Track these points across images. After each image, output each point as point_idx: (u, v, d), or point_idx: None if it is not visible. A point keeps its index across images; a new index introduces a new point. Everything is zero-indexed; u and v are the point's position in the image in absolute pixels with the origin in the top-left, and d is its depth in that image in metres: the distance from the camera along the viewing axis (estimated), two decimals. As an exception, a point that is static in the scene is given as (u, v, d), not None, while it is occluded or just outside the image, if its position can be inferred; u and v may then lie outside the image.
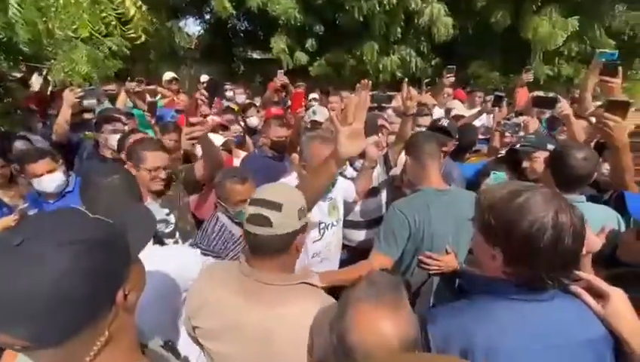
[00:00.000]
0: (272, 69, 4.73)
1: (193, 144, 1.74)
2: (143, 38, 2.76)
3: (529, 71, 3.33)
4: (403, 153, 2.30)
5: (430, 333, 0.80)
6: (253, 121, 3.65)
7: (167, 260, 1.25)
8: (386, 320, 0.70)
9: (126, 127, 2.54)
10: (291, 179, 1.84)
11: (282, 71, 3.87)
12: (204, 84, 1.84)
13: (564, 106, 2.28)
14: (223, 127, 2.47)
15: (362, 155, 2.07)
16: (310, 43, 7.33)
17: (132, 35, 2.72)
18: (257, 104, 4.19)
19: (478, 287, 0.87)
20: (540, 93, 2.66)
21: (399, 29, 6.57)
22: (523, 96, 3.52)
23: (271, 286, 0.99)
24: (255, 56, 9.72)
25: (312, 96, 4.21)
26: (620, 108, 1.51)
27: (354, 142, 1.12)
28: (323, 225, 1.82)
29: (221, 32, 8.79)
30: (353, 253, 2.15)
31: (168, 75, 4.61)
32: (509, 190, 0.80)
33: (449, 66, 3.00)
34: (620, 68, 2.09)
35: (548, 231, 0.73)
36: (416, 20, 6.37)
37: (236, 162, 2.50)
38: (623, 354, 0.78)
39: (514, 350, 0.76)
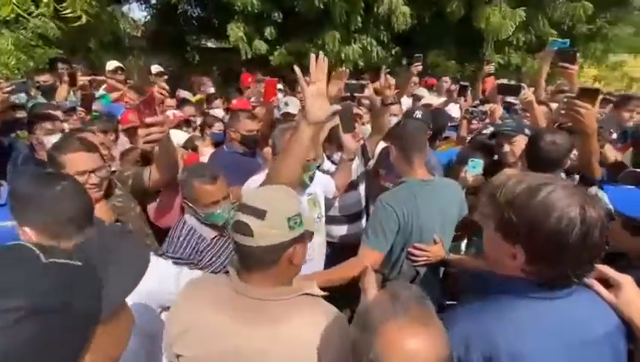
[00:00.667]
0: (231, 58, 4.45)
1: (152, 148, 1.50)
2: (83, 20, 2.36)
3: (490, 63, 3.45)
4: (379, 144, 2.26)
5: (450, 338, 0.74)
6: (218, 113, 3.40)
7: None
8: (421, 339, 0.63)
9: (65, 125, 2.21)
10: (261, 177, 1.71)
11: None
12: (167, 77, 1.65)
13: (527, 93, 2.37)
14: (187, 123, 2.24)
15: (340, 147, 2.00)
16: (269, 31, 7.06)
17: (69, 15, 2.31)
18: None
19: (494, 287, 0.83)
20: (504, 81, 2.75)
21: (359, 18, 6.54)
22: (489, 84, 3.65)
23: (267, 302, 0.88)
24: (210, 45, 9.18)
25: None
26: (589, 96, 1.57)
27: (320, 105, 1.08)
28: None
29: (170, 19, 8.16)
30: (335, 249, 2.08)
31: (112, 65, 4.12)
32: (528, 185, 0.74)
33: (416, 55, 3.00)
34: (577, 55, 2.22)
35: (577, 227, 0.69)
36: (375, 9, 6.37)
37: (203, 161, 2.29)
38: (635, 341, 0.78)
39: (537, 352, 0.73)
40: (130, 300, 1.05)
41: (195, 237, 1.50)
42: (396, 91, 3.78)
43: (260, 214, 0.84)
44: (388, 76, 1.98)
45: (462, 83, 3.12)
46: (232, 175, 1.96)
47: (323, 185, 1.93)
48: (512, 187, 0.76)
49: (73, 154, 1.37)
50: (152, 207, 1.70)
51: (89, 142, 1.48)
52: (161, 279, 1.14)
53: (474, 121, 2.75)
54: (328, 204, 2.13)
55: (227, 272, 0.98)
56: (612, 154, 2.28)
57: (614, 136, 2.69)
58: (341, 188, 2.00)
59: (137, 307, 1.08)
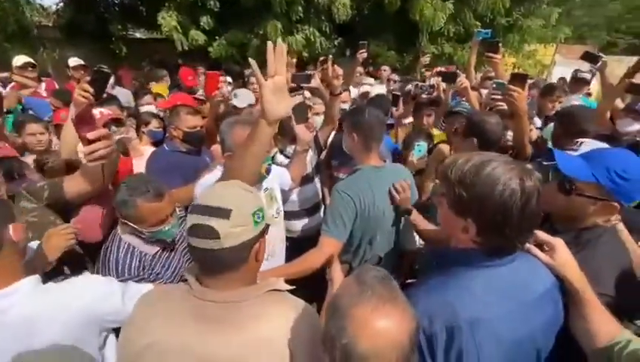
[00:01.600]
0: (164, 49, 4.08)
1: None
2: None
3: (426, 54, 3.63)
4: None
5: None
6: (150, 110, 3.11)
7: (69, 300, 0.97)
8: (392, 319, 0.65)
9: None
10: (215, 175, 1.59)
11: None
12: (91, 78, 1.42)
13: (462, 80, 2.53)
14: (117, 122, 1.99)
15: (293, 140, 1.95)
16: (206, 20, 6.65)
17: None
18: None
19: (450, 260, 0.88)
20: (442, 69, 2.92)
21: (300, 8, 6.45)
22: None
23: (234, 305, 0.82)
24: (139, 35, 8.37)
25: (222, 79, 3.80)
26: (520, 80, 1.72)
27: (280, 100, 1.00)
28: None
29: (88, 6, 7.27)
30: (295, 244, 2.04)
31: (20, 60, 3.55)
32: (474, 162, 0.80)
33: (361, 42, 3.03)
34: (500, 45, 2.42)
35: (518, 197, 0.76)
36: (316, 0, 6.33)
37: (138, 163, 2.06)
38: (569, 295, 0.88)
39: (492, 315, 0.78)
40: (59, 327, 0.92)
41: (136, 255, 1.35)
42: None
43: (225, 214, 0.79)
44: (335, 66, 1.96)
45: (394, 93, 3.20)
46: (174, 176, 1.81)
47: (279, 177, 1.87)
48: (461, 166, 0.81)
49: None
50: (74, 222, 1.49)
51: None
52: (95, 298, 1.02)
53: (424, 95, 2.88)
54: (284, 198, 2.08)
55: (184, 280, 0.90)
56: (534, 133, 2.56)
57: (538, 122, 3.01)
58: (296, 179, 1.96)
59: (70, 332, 0.94)
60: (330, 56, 1.96)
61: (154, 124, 2.62)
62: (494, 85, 2.04)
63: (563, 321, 0.89)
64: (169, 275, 1.45)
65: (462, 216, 0.82)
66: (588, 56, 2.72)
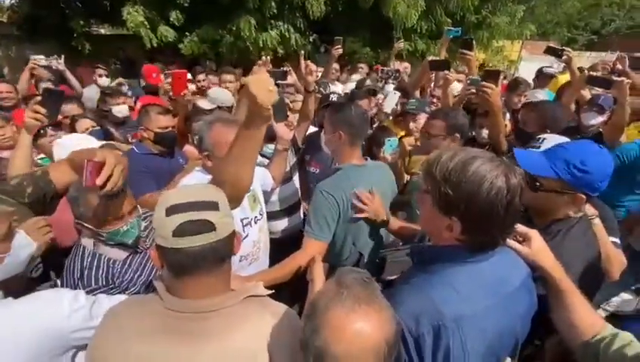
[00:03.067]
0: (132, 46, 3.88)
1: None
2: None
3: (400, 39, 3.66)
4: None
5: (400, 316, 0.77)
6: (122, 110, 2.94)
7: (24, 321, 0.90)
8: (368, 321, 0.63)
9: None
10: (195, 177, 1.53)
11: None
12: (42, 98, 1.31)
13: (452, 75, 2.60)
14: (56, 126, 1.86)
15: (271, 140, 1.91)
16: (175, 16, 6.41)
17: None
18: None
19: (432, 258, 0.88)
20: (436, 58, 2.94)
21: (274, 4, 6.35)
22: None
23: (210, 314, 0.78)
24: (104, 31, 7.95)
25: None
26: (493, 77, 1.76)
27: (265, 90, 0.95)
28: (247, 220, 1.60)
29: (46, 1, 6.82)
30: (277, 245, 2.01)
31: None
32: (459, 159, 0.79)
33: (336, 37, 3.01)
34: (474, 42, 2.48)
35: (503, 195, 0.75)
36: (289, -5, 6.26)
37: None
38: (546, 284, 0.91)
39: (476, 311, 0.79)
40: (12, 348, 0.85)
41: (102, 263, 1.25)
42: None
43: (213, 206, 0.79)
44: (308, 62, 1.93)
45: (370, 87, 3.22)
46: (147, 180, 1.73)
47: (260, 178, 1.82)
48: (446, 163, 0.80)
49: None
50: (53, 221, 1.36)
51: None
52: (58, 315, 0.94)
53: (390, 81, 2.93)
54: (265, 198, 2.04)
55: (153, 290, 0.85)
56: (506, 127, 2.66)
57: (507, 116, 3.12)
58: (278, 179, 1.92)
59: (28, 353, 0.88)
60: (302, 52, 1.93)
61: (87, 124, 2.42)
62: (469, 81, 2.10)
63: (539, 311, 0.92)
64: (144, 280, 1.37)
65: (447, 215, 0.80)
66: (551, 51, 2.84)
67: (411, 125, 2.36)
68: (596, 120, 2.54)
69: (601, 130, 2.47)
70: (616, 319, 0.95)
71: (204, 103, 2.64)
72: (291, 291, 1.52)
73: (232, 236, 0.83)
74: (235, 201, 1.08)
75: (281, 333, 0.81)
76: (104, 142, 1.89)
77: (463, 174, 0.76)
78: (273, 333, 0.80)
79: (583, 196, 1.05)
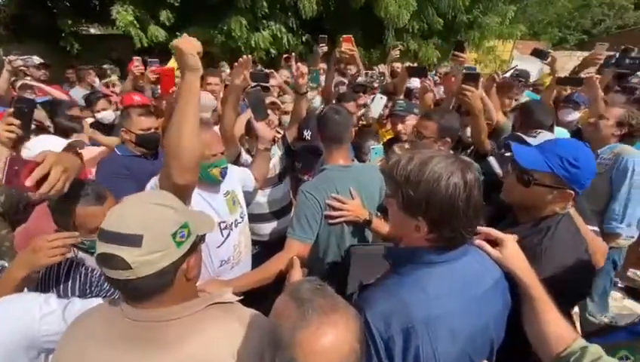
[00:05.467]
0: (122, 46, 3.80)
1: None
2: None
3: (396, 47, 3.66)
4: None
5: (370, 319, 0.77)
6: (107, 116, 2.87)
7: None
8: (337, 328, 0.63)
9: None
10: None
11: (138, 58, 2.92)
12: (15, 110, 1.27)
13: (427, 82, 2.62)
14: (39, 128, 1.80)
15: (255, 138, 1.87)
16: (166, 16, 6.35)
17: None
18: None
19: (404, 260, 0.88)
20: (412, 65, 2.97)
21: (265, 3, 6.31)
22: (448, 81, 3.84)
23: (165, 323, 0.76)
24: (94, 31, 7.84)
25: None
26: (472, 79, 1.75)
27: (187, 41, 1.07)
28: (225, 224, 1.57)
29: (34, 1, 6.71)
30: (264, 247, 1.98)
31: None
32: (417, 161, 0.81)
33: (321, 35, 3.00)
34: (468, 45, 2.50)
35: (461, 190, 0.77)
36: (281, -6, 6.24)
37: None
38: (521, 294, 0.90)
39: (446, 312, 0.79)
40: None
41: (80, 271, 1.22)
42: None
43: (135, 241, 0.70)
44: (299, 64, 1.91)
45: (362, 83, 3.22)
46: (127, 182, 1.68)
47: (241, 179, 1.79)
48: (405, 165, 0.82)
49: None
50: (19, 232, 1.32)
51: None
52: (29, 319, 0.91)
53: (375, 84, 2.93)
54: (252, 200, 2.00)
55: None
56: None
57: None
58: (260, 179, 1.89)
59: (4, 355, 0.85)
60: (293, 54, 1.90)
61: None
62: (464, 70, 2.08)
63: (512, 312, 0.92)
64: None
65: (412, 216, 0.82)
66: (537, 53, 2.89)
67: (399, 127, 2.35)
68: (572, 116, 2.66)
69: (580, 126, 2.52)
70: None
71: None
72: (266, 296, 1.49)
73: (163, 272, 0.74)
74: (184, 173, 1.05)
75: (248, 338, 0.78)
76: (71, 140, 1.81)
77: (421, 174, 0.78)
78: (239, 339, 0.78)
79: (572, 192, 1.05)
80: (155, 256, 0.71)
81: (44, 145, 1.60)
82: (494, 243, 0.96)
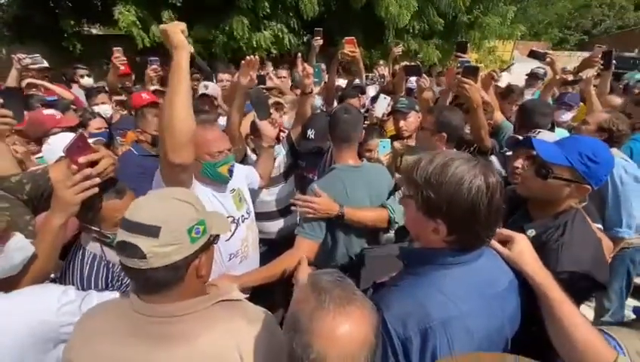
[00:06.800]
0: (124, 47, 3.82)
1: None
2: None
3: (398, 44, 3.71)
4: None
5: (387, 320, 0.78)
6: (103, 109, 2.87)
7: (13, 318, 0.90)
8: (354, 320, 0.64)
9: None
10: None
11: (119, 49, 2.96)
12: (4, 101, 1.30)
13: (424, 80, 2.65)
14: (71, 129, 1.85)
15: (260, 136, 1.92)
16: (168, 16, 6.37)
17: None
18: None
19: (420, 261, 0.89)
20: (407, 63, 3.02)
21: (267, 4, 6.34)
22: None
23: (175, 319, 0.78)
24: (95, 31, 7.86)
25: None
26: (472, 73, 1.77)
27: (172, 25, 1.16)
28: (231, 219, 1.61)
29: (37, 1, 6.72)
30: (272, 246, 2.02)
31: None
32: (438, 162, 0.80)
33: (316, 28, 3.03)
34: (468, 45, 2.56)
35: (484, 193, 0.77)
36: (282, -5, 6.26)
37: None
38: (535, 290, 0.91)
39: (463, 313, 0.80)
40: (12, 338, 0.86)
41: (102, 266, 1.26)
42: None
43: (152, 232, 0.73)
44: (305, 65, 1.95)
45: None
46: (146, 182, 1.72)
47: (246, 177, 1.83)
48: (425, 167, 0.81)
49: None
50: (41, 218, 1.35)
51: None
52: (47, 308, 0.94)
53: (376, 85, 2.97)
54: (258, 199, 2.05)
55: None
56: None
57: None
58: (265, 176, 1.93)
59: (22, 345, 0.89)
60: (299, 54, 1.94)
61: (95, 125, 2.40)
62: (459, 65, 2.12)
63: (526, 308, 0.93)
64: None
65: (431, 217, 0.81)
66: (534, 55, 2.93)
67: (401, 123, 2.37)
68: (566, 116, 2.76)
69: (574, 125, 2.54)
70: None
71: (211, 90, 2.69)
72: (283, 293, 1.52)
73: (176, 266, 0.77)
74: (179, 150, 1.11)
75: (256, 336, 0.80)
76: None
77: (443, 176, 0.78)
78: (247, 337, 0.80)
79: (589, 187, 1.08)
80: (170, 249, 0.75)
81: (64, 141, 1.64)
82: (504, 241, 0.96)
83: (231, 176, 1.59)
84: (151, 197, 0.82)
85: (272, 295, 1.64)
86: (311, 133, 2.27)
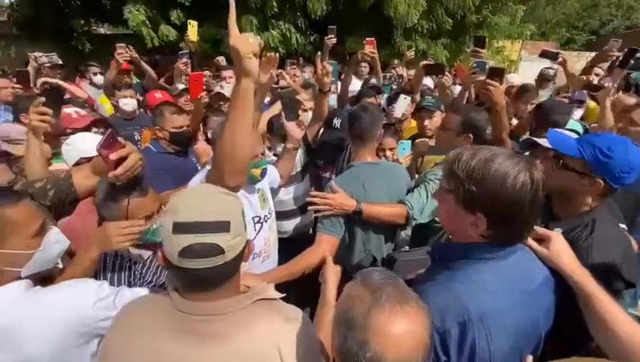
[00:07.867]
0: (133, 46, 3.82)
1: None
2: None
3: (411, 47, 3.71)
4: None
5: None
6: (129, 103, 2.86)
7: (54, 310, 0.92)
8: (410, 319, 0.63)
9: None
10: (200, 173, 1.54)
11: (122, 45, 2.92)
12: (42, 92, 1.30)
13: (447, 78, 2.65)
14: (98, 124, 1.86)
15: (283, 139, 1.92)
16: (176, 15, 6.40)
17: None
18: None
19: (458, 255, 0.88)
20: (430, 63, 3.01)
21: (275, 3, 6.35)
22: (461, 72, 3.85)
23: (218, 317, 0.78)
24: (104, 31, 7.91)
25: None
26: (497, 74, 1.77)
27: (246, 42, 1.01)
28: (258, 218, 1.62)
29: (46, 1, 6.78)
30: (286, 245, 2.01)
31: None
32: (481, 157, 0.80)
33: (330, 26, 3.03)
34: (487, 41, 2.54)
35: (528, 188, 0.77)
36: (291, -6, 6.27)
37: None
38: (573, 288, 0.91)
39: (499, 307, 0.80)
40: (50, 332, 0.87)
41: (125, 265, 1.27)
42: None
43: (224, 227, 0.74)
44: (325, 63, 1.94)
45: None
46: (165, 178, 1.74)
47: (268, 176, 1.83)
48: (467, 161, 0.81)
49: None
50: (62, 224, 1.36)
51: None
52: (84, 302, 0.96)
53: (393, 86, 2.97)
54: (272, 196, 2.05)
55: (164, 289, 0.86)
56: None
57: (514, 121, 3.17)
58: (285, 176, 1.94)
59: (60, 339, 0.90)
60: (319, 53, 1.94)
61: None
62: (474, 64, 2.11)
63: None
64: (162, 281, 1.39)
65: (471, 211, 0.81)
66: (546, 54, 2.91)
67: (426, 122, 2.34)
68: (577, 113, 2.82)
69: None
70: None
71: (227, 90, 2.69)
72: (299, 293, 1.51)
73: (240, 255, 0.79)
74: (237, 176, 1.07)
75: (295, 337, 0.80)
76: None
77: (486, 170, 0.78)
78: (286, 337, 0.79)
79: (601, 182, 1.07)
80: (238, 240, 0.76)
81: (84, 142, 1.66)
82: (539, 240, 0.96)
83: (263, 178, 1.61)
84: (199, 195, 0.81)
85: (287, 293, 1.64)
86: (337, 122, 2.25)
